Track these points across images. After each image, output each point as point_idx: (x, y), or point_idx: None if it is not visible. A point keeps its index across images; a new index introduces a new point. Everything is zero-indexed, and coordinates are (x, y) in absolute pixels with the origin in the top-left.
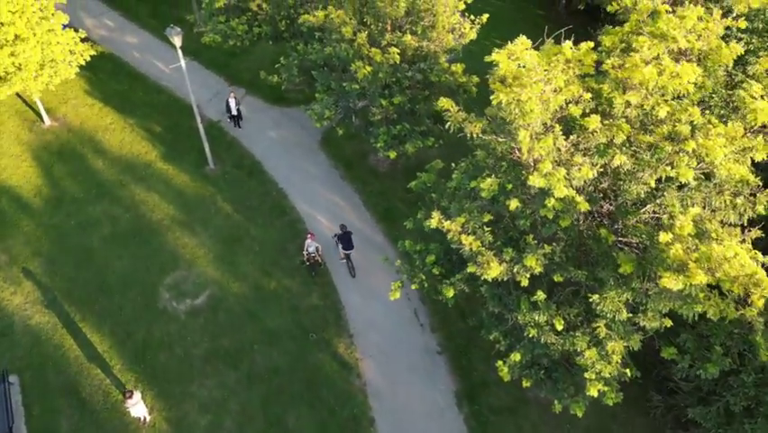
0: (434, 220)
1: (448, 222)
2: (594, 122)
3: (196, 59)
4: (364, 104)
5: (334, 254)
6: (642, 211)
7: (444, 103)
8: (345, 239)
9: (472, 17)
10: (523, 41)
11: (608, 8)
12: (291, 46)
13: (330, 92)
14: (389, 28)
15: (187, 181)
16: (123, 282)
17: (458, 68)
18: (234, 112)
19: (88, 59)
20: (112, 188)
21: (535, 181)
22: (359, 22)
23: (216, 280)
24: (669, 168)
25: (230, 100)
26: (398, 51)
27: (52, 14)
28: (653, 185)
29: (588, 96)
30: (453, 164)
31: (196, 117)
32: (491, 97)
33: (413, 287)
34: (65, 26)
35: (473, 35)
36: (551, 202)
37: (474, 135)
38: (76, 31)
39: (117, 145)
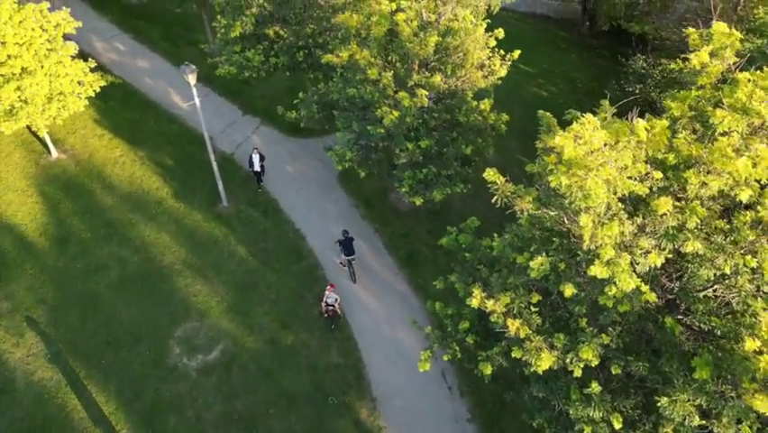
0: (476, 300)
1: (491, 302)
2: (665, 205)
3: (208, 85)
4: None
5: (356, 306)
6: (708, 290)
7: (491, 175)
8: (347, 245)
9: (502, 52)
10: (590, 120)
11: (672, 66)
12: (310, 79)
13: (351, 130)
14: (416, 67)
15: (200, 221)
16: (132, 334)
17: (486, 105)
18: (258, 168)
19: (98, 90)
20: (120, 228)
21: (597, 272)
22: (384, 60)
23: (230, 332)
24: (749, 257)
25: (254, 156)
26: (426, 93)
27: (61, 46)
28: (727, 271)
29: (658, 175)
30: (497, 235)
31: (210, 155)
32: (550, 179)
33: (445, 358)
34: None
35: (503, 72)
36: (612, 290)
37: (525, 211)
38: (85, 60)
39: (127, 180)
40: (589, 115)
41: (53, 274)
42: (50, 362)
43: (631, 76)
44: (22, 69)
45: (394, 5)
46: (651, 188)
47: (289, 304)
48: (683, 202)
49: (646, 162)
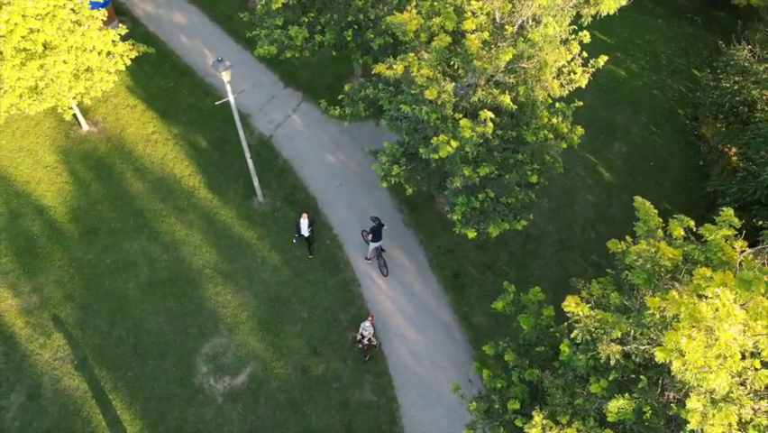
0: (536, 429)
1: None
2: None
3: (247, 48)
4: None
5: (393, 335)
6: None
7: (572, 306)
8: (378, 232)
9: (584, 54)
10: (727, 302)
11: None
12: (358, 61)
13: (399, 136)
14: (482, 82)
15: (233, 218)
16: (159, 346)
17: (557, 118)
18: (306, 233)
19: (129, 63)
20: (151, 220)
21: None
22: (445, 66)
23: (259, 354)
24: None
25: (302, 221)
26: (492, 117)
27: (87, 17)
28: None
29: None
30: (567, 341)
31: (245, 152)
32: (656, 354)
33: None
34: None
35: (584, 82)
36: None
37: (613, 357)
38: (119, 17)
39: (159, 163)
40: (726, 293)
41: (82, 268)
42: (76, 369)
43: (730, 67)
44: (45, 44)
45: None
46: None
47: (322, 326)
48: None
49: None
